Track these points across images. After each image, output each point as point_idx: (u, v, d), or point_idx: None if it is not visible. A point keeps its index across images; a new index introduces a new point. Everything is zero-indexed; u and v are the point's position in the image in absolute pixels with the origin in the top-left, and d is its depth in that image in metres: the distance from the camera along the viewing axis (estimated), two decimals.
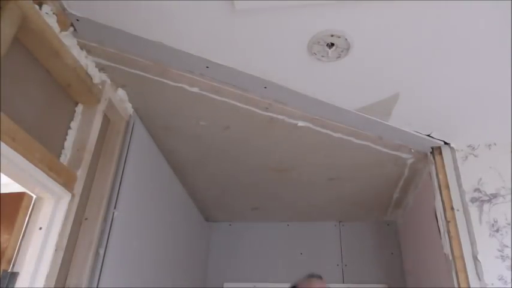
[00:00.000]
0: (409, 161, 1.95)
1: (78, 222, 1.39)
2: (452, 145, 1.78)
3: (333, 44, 1.29)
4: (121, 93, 1.61)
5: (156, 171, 1.98)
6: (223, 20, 1.25)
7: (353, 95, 1.56)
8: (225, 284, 2.74)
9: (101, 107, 1.45)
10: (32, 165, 1.13)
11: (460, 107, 1.58)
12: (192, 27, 1.30)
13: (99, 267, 1.40)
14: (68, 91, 1.38)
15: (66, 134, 1.38)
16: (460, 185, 1.70)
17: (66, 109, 1.39)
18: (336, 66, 1.39)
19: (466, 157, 1.75)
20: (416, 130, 1.73)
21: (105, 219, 1.47)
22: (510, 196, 1.64)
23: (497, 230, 1.59)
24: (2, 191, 1.24)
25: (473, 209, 1.64)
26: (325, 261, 2.67)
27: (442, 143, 1.78)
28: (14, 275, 1.13)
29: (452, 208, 1.67)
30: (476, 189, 1.68)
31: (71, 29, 1.34)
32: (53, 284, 1.19)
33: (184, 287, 2.27)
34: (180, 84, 1.54)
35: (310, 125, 1.72)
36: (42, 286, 1.15)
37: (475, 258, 1.55)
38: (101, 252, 1.42)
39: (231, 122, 1.76)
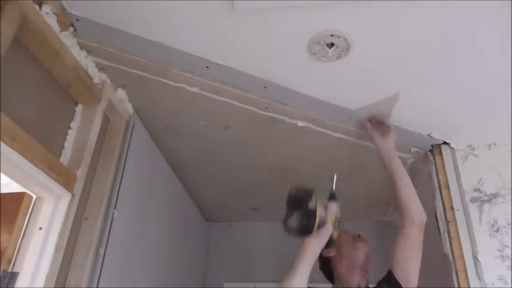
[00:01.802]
0: (409, 161, 1.94)
1: (78, 222, 1.39)
2: (452, 145, 1.78)
3: (333, 44, 1.28)
4: (121, 93, 1.61)
5: (156, 171, 1.98)
6: (223, 20, 1.25)
7: (353, 95, 1.56)
8: (225, 284, 2.74)
9: (101, 107, 1.45)
10: (32, 165, 1.13)
11: (460, 107, 1.58)
12: (192, 27, 1.30)
13: (99, 267, 1.40)
14: (68, 91, 1.38)
15: (66, 134, 1.37)
16: (460, 185, 1.70)
17: (66, 109, 1.39)
18: (336, 66, 1.39)
19: (466, 157, 1.75)
20: (416, 130, 1.73)
21: (105, 219, 1.47)
22: (510, 196, 1.64)
23: (497, 230, 1.59)
24: (2, 191, 1.23)
25: (473, 209, 1.64)
26: None
27: (442, 142, 1.78)
28: (14, 275, 1.13)
29: (452, 208, 1.66)
30: (476, 189, 1.68)
31: (71, 29, 1.33)
32: (53, 284, 1.19)
33: (184, 287, 2.27)
34: (180, 84, 1.54)
35: (310, 125, 1.72)
36: (42, 286, 1.15)
37: (475, 258, 1.55)
38: (101, 252, 1.42)
39: (231, 122, 1.76)
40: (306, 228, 1.21)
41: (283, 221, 1.23)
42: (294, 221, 1.20)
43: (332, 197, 1.35)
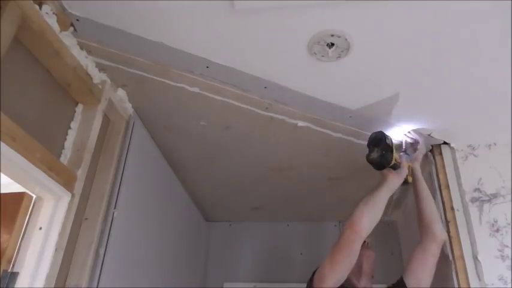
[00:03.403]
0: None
1: (78, 222, 1.39)
2: (452, 145, 1.78)
3: (333, 44, 1.28)
4: (121, 93, 1.61)
5: (156, 171, 1.98)
6: (223, 20, 1.25)
7: (353, 95, 1.56)
8: (225, 284, 2.74)
9: (101, 107, 1.45)
10: (32, 165, 1.13)
11: (460, 107, 1.58)
12: (192, 27, 1.30)
13: (99, 267, 1.40)
14: (68, 91, 1.38)
15: (66, 134, 1.37)
16: (460, 185, 1.70)
17: (66, 109, 1.39)
18: (336, 66, 1.39)
19: (466, 157, 1.75)
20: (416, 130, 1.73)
21: (105, 219, 1.47)
22: (510, 196, 1.64)
23: (497, 230, 1.59)
24: (2, 191, 1.23)
25: (473, 209, 1.64)
26: None
27: (442, 142, 1.78)
28: (14, 275, 1.13)
29: (452, 208, 1.66)
30: (476, 189, 1.68)
31: (71, 29, 1.34)
32: (53, 284, 1.19)
33: (184, 287, 2.27)
34: (180, 84, 1.54)
35: (310, 125, 1.72)
36: (42, 286, 1.15)
37: (475, 258, 1.55)
38: (101, 252, 1.42)
39: (231, 122, 1.76)
40: (385, 157, 1.42)
41: (366, 158, 1.45)
42: (375, 154, 1.43)
43: (406, 153, 1.64)
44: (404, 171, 1.52)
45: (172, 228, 2.18)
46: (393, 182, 1.49)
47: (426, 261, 1.51)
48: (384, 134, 1.46)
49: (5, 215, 1.18)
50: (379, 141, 1.44)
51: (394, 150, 1.45)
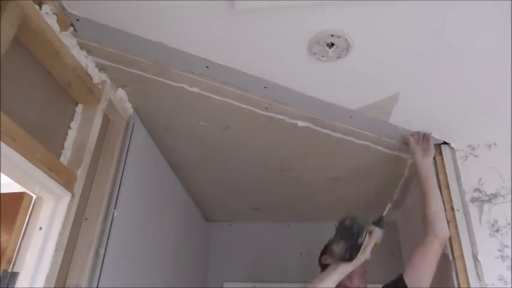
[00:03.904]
0: (409, 161, 1.93)
1: (78, 222, 1.39)
2: (452, 145, 1.77)
3: (333, 44, 1.29)
4: (121, 93, 1.61)
5: (156, 171, 1.98)
6: (223, 20, 1.25)
7: (353, 95, 1.56)
8: (225, 284, 2.74)
9: (101, 107, 1.45)
10: (32, 165, 1.13)
11: (460, 107, 1.58)
12: (192, 27, 1.30)
13: (99, 267, 1.39)
14: (68, 91, 1.38)
15: (66, 134, 1.38)
16: (460, 185, 1.70)
17: (66, 109, 1.39)
18: (336, 66, 1.39)
19: (466, 157, 1.75)
20: (417, 130, 1.73)
21: (105, 219, 1.47)
22: (510, 196, 1.64)
23: (497, 230, 1.59)
24: (2, 191, 1.23)
25: (473, 209, 1.64)
26: None
27: (442, 142, 1.78)
28: (14, 275, 1.13)
29: (452, 208, 1.66)
30: (476, 189, 1.68)
31: (71, 29, 1.34)
32: (53, 284, 1.19)
33: (184, 287, 2.27)
34: (180, 84, 1.54)
35: (310, 125, 1.71)
36: (42, 286, 1.15)
37: (475, 258, 1.55)
38: (101, 252, 1.42)
39: (231, 122, 1.76)
40: (348, 258, 1.30)
41: (328, 242, 1.34)
42: (340, 248, 1.30)
43: (379, 223, 1.47)
44: (365, 257, 1.37)
45: (172, 228, 2.18)
46: (345, 271, 1.37)
47: (427, 258, 1.51)
48: (360, 230, 1.32)
49: (5, 215, 1.18)
50: (351, 237, 1.30)
51: (363, 248, 1.32)
